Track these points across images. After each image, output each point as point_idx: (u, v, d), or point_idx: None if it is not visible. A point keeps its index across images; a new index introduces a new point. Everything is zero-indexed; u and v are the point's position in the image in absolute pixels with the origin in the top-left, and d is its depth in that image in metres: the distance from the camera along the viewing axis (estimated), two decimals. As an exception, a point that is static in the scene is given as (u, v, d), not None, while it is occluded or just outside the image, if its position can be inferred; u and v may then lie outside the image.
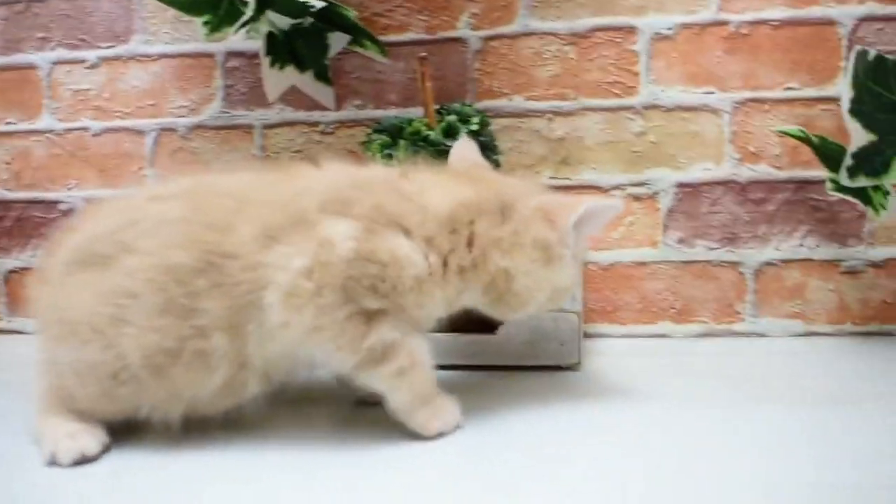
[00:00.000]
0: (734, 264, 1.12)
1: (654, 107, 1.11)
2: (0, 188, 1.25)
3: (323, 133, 1.17)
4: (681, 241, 1.12)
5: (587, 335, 1.14)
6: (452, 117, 0.99)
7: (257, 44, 1.11)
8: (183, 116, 1.20)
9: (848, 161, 0.94)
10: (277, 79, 1.11)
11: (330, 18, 1.08)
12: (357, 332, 0.76)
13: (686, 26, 1.10)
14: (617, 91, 1.12)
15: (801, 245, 1.11)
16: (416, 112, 1.09)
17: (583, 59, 1.12)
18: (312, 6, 1.03)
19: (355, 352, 0.76)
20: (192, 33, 1.19)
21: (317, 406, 0.90)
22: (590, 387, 0.94)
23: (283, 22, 1.07)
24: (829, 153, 1.01)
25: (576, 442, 0.79)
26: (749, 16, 1.09)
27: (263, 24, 1.07)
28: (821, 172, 1.05)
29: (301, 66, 1.11)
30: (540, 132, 1.13)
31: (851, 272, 1.11)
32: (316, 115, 1.17)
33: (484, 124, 1.01)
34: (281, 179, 0.82)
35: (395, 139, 0.99)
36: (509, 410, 0.85)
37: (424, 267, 0.78)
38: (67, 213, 1.23)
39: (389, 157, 0.98)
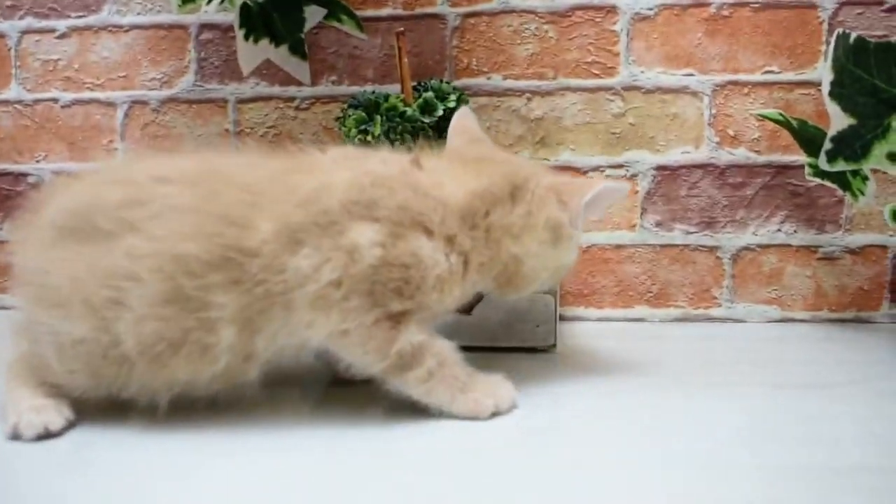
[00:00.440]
0: (712, 249, 1.11)
1: (634, 88, 1.10)
2: (-34, 160, 1.23)
3: (298, 108, 1.15)
4: (658, 224, 1.11)
5: (563, 318, 1.13)
6: (429, 94, 0.98)
7: (232, 16, 1.09)
8: (155, 89, 1.18)
9: (827, 145, 0.93)
10: (252, 52, 1.08)
11: (306, -9, 1.06)
12: (385, 337, 0.75)
13: (666, 7, 1.09)
14: (596, 71, 1.10)
15: (779, 230, 1.10)
16: (393, 88, 1.07)
17: (562, 38, 1.10)
18: (288, -22, 1.02)
19: (384, 357, 0.76)
20: (164, 4, 1.16)
21: (291, 386, 0.89)
22: (565, 369, 0.93)
23: (258, -7, 1.05)
24: (808, 137, 1.00)
25: (550, 425, 0.78)
26: (731, -3, 1.08)
27: (238, -5, 1.05)
28: (800, 157, 1.04)
29: (276, 40, 1.09)
30: (518, 111, 1.11)
31: (828, 258, 1.10)
32: (291, 91, 1.15)
33: (462, 102, 1.00)
34: (294, 169, 0.79)
35: (370, 115, 0.97)
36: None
37: (446, 267, 0.77)
38: (36, 185, 1.21)
39: (365, 132, 0.96)
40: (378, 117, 0.96)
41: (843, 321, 1.10)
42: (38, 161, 1.21)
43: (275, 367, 0.79)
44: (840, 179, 0.99)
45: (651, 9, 1.09)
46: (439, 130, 0.97)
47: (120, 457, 0.72)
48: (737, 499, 0.64)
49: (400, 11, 1.12)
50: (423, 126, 0.96)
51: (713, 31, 1.08)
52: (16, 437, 0.74)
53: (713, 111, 1.09)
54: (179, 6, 1.05)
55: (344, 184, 0.77)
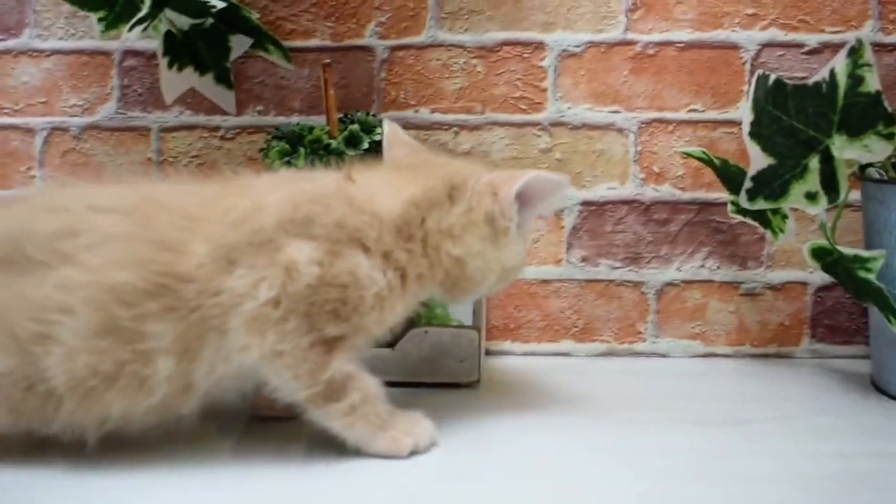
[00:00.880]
0: (637, 284, 1.12)
1: (561, 124, 1.11)
2: None
3: (223, 138, 1.14)
4: (584, 259, 1.12)
5: (489, 352, 1.12)
6: (355, 126, 0.97)
7: (156, 43, 1.07)
8: (76, 116, 1.15)
9: (748, 184, 0.95)
10: (175, 80, 1.07)
11: (232, 20, 1.04)
12: (319, 362, 0.74)
13: (593, 45, 1.10)
14: (524, 107, 1.11)
15: (703, 266, 1.12)
16: (320, 120, 1.06)
17: (490, 73, 1.11)
18: (213, 6, 1.00)
19: (314, 384, 0.74)
20: (87, 29, 1.14)
21: (211, 423, 0.87)
22: (489, 405, 0.93)
23: (183, 21, 1.03)
24: (729, 175, 1.01)
25: (472, 461, 0.77)
26: (656, 37, 1.09)
27: (162, 22, 1.03)
28: (723, 195, 1.06)
29: (201, 69, 1.07)
30: (446, 145, 1.11)
31: (751, 294, 1.12)
32: (216, 120, 1.13)
33: (388, 135, 0.99)
34: (229, 193, 0.78)
35: (294, 147, 0.96)
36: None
37: (384, 284, 0.76)
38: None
39: (288, 164, 0.95)
40: (302, 149, 0.95)
41: (764, 356, 1.12)
42: (-49, 187, 1.17)
43: (212, 400, 0.77)
44: (761, 217, 1.01)
45: (578, 46, 1.10)
46: (365, 163, 0.97)
47: (25, 499, 0.69)
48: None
49: (328, 43, 1.12)
50: (347, 159, 0.95)
51: (639, 70, 1.10)
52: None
53: (638, 148, 1.10)
54: (102, 32, 1.02)
55: (277, 202, 0.75)
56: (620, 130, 1.11)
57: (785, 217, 1.01)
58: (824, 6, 1.08)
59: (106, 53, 1.14)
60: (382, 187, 0.80)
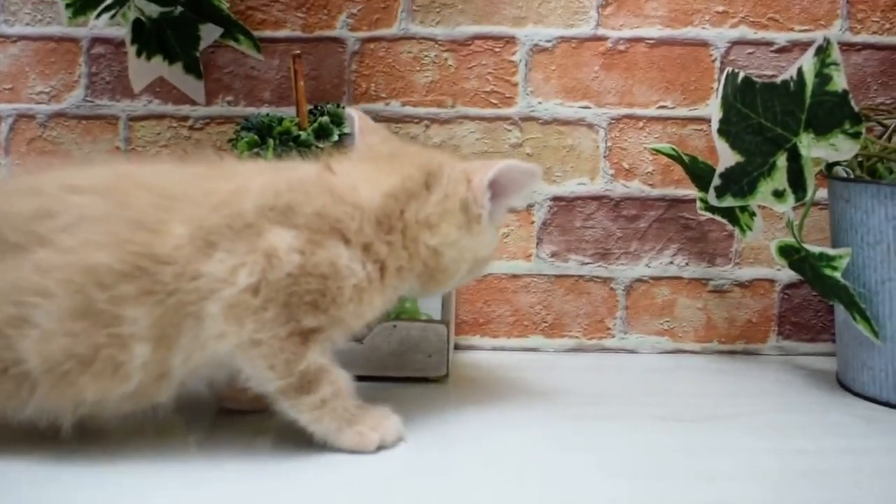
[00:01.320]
0: (606, 280, 1.12)
1: (531, 119, 1.11)
2: None
3: (191, 128, 1.12)
4: (554, 254, 1.12)
5: (458, 347, 1.12)
6: (325, 119, 0.96)
7: (124, 31, 1.06)
8: (43, 103, 1.13)
9: (716, 181, 0.95)
10: (144, 69, 1.05)
11: (202, 9, 1.03)
12: (294, 353, 0.73)
13: (565, 40, 1.10)
14: (494, 101, 1.11)
15: (672, 263, 1.12)
16: (289, 111, 1.05)
17: (461, 66, 1.10)
18: (183, -5, 0.99)
19: (288, 374, 0.73)
20: (55, 15, 1.12)
21: (177, 415, 0.86)
22: (457, 400, 0.93)
23: (151, 9, 1.02)
24: (698, 172, 1.02)
25: (439, 455, 0.77)
26: (626, 33, 1.10)
27: (130, 10, 1.02)
28: (692, 192, 1.06)
29: (170, 58, 1.06)
30: (416, 138, 1.11)
31: (719, 291, 1.12)
32: (185, 109, 1.12)
33: (358, 127, 0.98)
34: (210, 175, 0.77)
35: (263, 138, 0.95)
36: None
37: (364, 276, 0.75)
38: None
39: (257, 156, 0.94)
40: (271, 140, 0.94)
41: (732, 353, 1.12)
42: (-87, 175, 1.15)
43: (187, 390, 0.76)
44: (729, 214, 1.01)
45: (549, 41, 1.10)
46: (334, 155, 0.96)
47: None
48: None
49: (298, 33, 1.11)
50: (317, 151, 0.94)
51: (610, 66, 1.10)
52: None
53: (609, 144, 1.11)
54: (70, 18, 1.01)
55: (259, 188, 0.75)
56: (591, 126, 1.11)
57: (753, 215, 1.01)
58: (793, 5, 1.09)
59: (74, 40, 1.12)
60: (362, 178, 0.79)
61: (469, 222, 0.81)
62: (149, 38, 1.04)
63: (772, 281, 1.12)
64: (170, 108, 1.13)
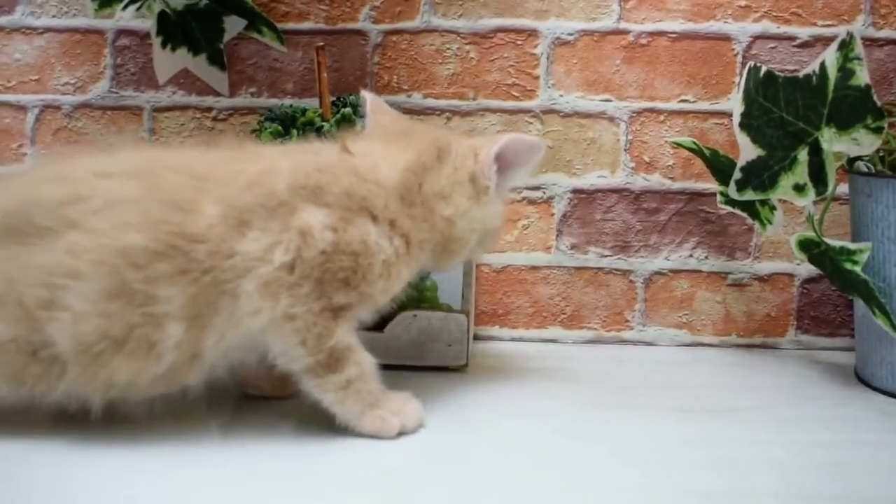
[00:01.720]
0: (625, 272, 1.13)
1: (552, 111, 1.11)
2: None
3: (215, 119, 1.14)
4: (573, 246, 1.12)
5: (477, 337, 1.13)
6: (348, 110, 0.97)
7: (150, 23, 1.07)
8: (68, 94, 1.15)
9: (737, 175, 0.96)
10: (168, 61, 1.07)
11: (226, 1, 1.05)
12: (326, 328, 0.74)
13: (587, 33, 1.10)
14: (516, 94, 1.11)
15: (691, 256, 1.12)
16: (313, 103, 1.06)
17: (483, 59, 1.11)
18: (208, -13, 1.00)
19: (318, 350, 0.74)
20: (81, 8, 1.13)
21: (199, 401, 0.87)
22: (476, 389, 0.93)
23: (176, 1, 1.04)
24: (719, 166, 1.02)
25: (458, 443, 0.78)
26: (648, 27, 1.10)
27: (156, 2, 1.03)
28: (712, 185, 1.06)
29: (194, 49, 1.07)
30: (438, 130, 1.11)
31: (738, 285, 1.12)
32: (209, 101, 1.13)
33: (380, 119, 0.99)
34: (238, 157, 0.79)
35: (287, 129, 0.96)
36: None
37: (392, 251, 0.77)
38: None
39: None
40: (294, 131, 0.95)
41: (750, 346, 1.13)
42: (-58, 163, 1.17)
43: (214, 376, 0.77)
44: (749, 208, 1.01)
45: (571, 34, 1.10)
46: (357, 147, 0.97)
47: (15, 472, 0.69)
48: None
49: (322, 26, 1.12)
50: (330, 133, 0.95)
51: (631, 59, 1.10)
52: None
53: (629, 137, 1.11)
54: (96, 10, 1.02)
55: (289, 168, 0.76)
56: (612, 119, 1.11)
57: (773, 209, 1.01)
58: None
59: (99, 32, 1.14)
60: (381, 156, 0.81)
61: (477, 193, 0.84)
62: (173, 29, 1.06)
63: (791, 275, 1.12)
64: (194, 99, 1.14)
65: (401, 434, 0.78)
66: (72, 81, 1.15)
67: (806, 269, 1.11)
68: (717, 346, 1.13)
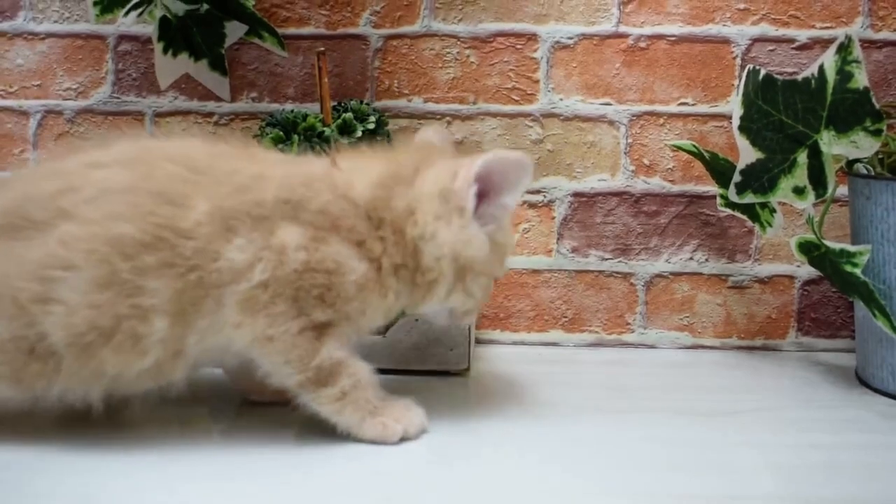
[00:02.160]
0: (626, 275, 1.13)
1: (552, 115, 1.11)
2: None
3: (217, 124, 1.14)
4: (574, 250, 1.13)
5: (478, 341, 1.13)
6: (349, 115, 0.98)
7: (151, 28, 1.07)
8: (70, 99, 1.15)
9: (736, 178, 0.96)
10: (170, 66, 1.07)
11: (227, 7, 1.05)
12: (308, 349, 0.74)
13: (586, 37, 1.10)
14: (516, 98, 1.11)
15: (691, 259, 1.12)
16: (314, 108, 1.07)
17: (483, 63, 1.11)
18: (208, -8, 1.00)
19: (303, 369, 0.75)
20: (82, 13, 1.14)
21: (201, 407, 0.88)
22: (478, 393, 0.94)
23: (178, 7, 1.04)
24: (719, 169, 1.02)
25: (460, 450, 0.78)
26: (647, 30, 1.10)
27: (157, 7, 1.03)
28: (712, 188, 1.07)
29: (195, 55, 1.08)
30: (438, 135, 1.12)
31: (738, 287, 1.13)
32: (210, 106, 1.14)
33: (381, 124, 1.00)
34: (236, 154, 0.79)
35: (288, 134, 0.97)
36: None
37: (362, 273, 0.76)
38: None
39: (282, 152, 0.95)
40: (295, 136, 0.96)
41: (751, 349, 1.13)
42: (-56, 169, 1.17)
43: (192, 381, 0.78)
44: (749, 211, 1.02)
45: (571, 38, 1.11)
46: (357, 151, 0.97)
47: (20, 479, 0.70)
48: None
49: (322, 31, 1.12)
50: (337, 145, 0.95)
51: (631, 62, 1.11)
52: None
53: (629, 140, 1.11)
54: (97, 16, 1.02)
55: (278, 179, 0.76)
56: (611, 123, 1.11)
57: (773, 211, 1.02)
58: (815, 2, 1.09)
59: (101, 37, 1.14)
60: (359, 171, 0.80)
61: (449, 213, 0.78)
62: (175, 35, 1.06)
63: (791, 277, 1.12)
64: (195, 104, 1.14)
65: (403, 440, 0.78)
66: (73, 87, 1.15)
67: (806, 270, 1.11)
68: (717, 349, 1.13)
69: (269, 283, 0.73)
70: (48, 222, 0.73)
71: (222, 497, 0.68)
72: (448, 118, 1.12)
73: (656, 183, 1.12)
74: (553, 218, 1.13)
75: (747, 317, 1.13)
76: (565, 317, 1.14)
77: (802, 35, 1.09)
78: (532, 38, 1.11)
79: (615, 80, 1.11)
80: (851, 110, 0.91)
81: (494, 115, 1.12)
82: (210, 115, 1.14)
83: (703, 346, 1.13)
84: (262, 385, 0.83)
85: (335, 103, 1.02)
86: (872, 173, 0.98)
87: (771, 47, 1.10)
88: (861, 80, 0.90)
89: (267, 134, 0.97)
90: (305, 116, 0.98)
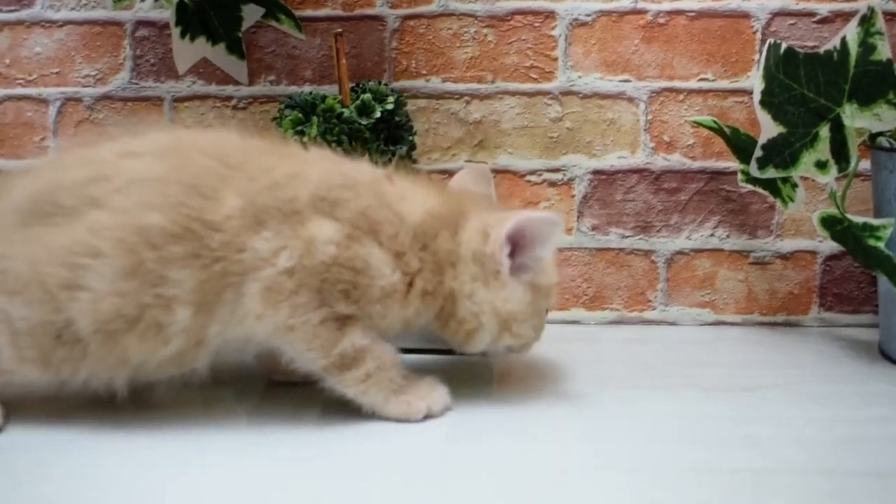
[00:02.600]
0: (647, 253, 1.13)
1: (571, 93, 1.11)
2: None
3: (235, 108, 1.14)
4: (595, 228, 1.13)
5: (499, 320, 1.13)
6: (367, 96, 0.97)
7: (168, 13, 1.07)
8: (89, 86, 1.16)
9: (758, 152, 0.95)
10: (188, 50, 1.07)
11: (244, -10, 1.05)
12: (330, 338, 0.75)
13: (604, 14, 1.10)
14: (534, 76, 1.11)
15: (713, 235, 1.12)
16: (331, 89, 1.07)
17: (501, 42, 1.11)
18: (225, -24, 1.00)
19: (326, 356, 0.75)
20: (99, 0, 1.14)
21: (227, 388, 0.88)
22: (500, 372, 0.94)
23: (195, -9, 1.04)
24: (740, 144, 1.02)
25: (483, 428, 0.79)
26: (666, 6, 1.09)
27: (174, -8, 1.03)
28: (733, 164, 1.06)
29: (213, 39, 1.08)
30: (457, 114, 1.12)
31: (760, 263, 1.12)
32: (228, 90, 1.14)
33: (399, 104, 1.00)
34: (271, 151, 0.80)
35: (307, 116, 0.97)
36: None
37: (392, 281, 0.76)
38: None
39: (301, 133, 0.95)
40: (315, 118, 0.96)
41: (773, 324, 1.13)
42: (-33, 158, 1.18)
43: (217, 363, 0.78)
44: (771, 186, 1.01)
45: (589, 15, 1.10)
46: (376, 132, 0.97)
47: (49, 460, 0.71)
48: (667, 500, 0.65)
49: (339, 12, 1.12)
50: (360, 128, 0.95)
51: (650, 39, 1.10)
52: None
53: (649, 117, 1.11)
54: (115, 2, 1.03)
55: (316, 177, 0.77)
56: (631, 100, 1.11)
57: (795, 186, 1.01)
58: (836, -26, 1.08)
59: (118, 24, 1.14)
60: (413, 195, 0.81)
61: (486, 276, 0.79)
62: (192, 19, 1.06)
63: (813, 252, 1.12)
64: (213, 88, 1.14)
65: (427, 417, 0.79)
66: (92, 73, 1.15)
67: (828, 246, 1.10)
68: (739, 325, 1.13)
69: (294, 271, 0.74)
70: (78, 209, 0.74)
71: (248, 475, 0.68)
72: (467, 97, 1.12)
73: (676, 160, 1.11)
74: (573, 196, 1.12)
75: (769, 293, 1.13)
76: (586, 295, 1.14)
77: (823, 8, 1.08)
78: (550, 15, 1.10)
79: (634, 57, 1.10)
80: (874, 83, 0.90)
81: (513, 93, 1.11)
82: (228, 99, 1.14)
83: (724, 323, 1.13)
84: (287, 365, 0.84)
85: (353, 84, 1.02)
86: (895, 146, 0.97)
87: (791, 21, 1.09)
88: (884, 52, 0.89)
89: (286, 116, 0.97)
90: (324, 98, 0.98)
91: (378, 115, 0.96)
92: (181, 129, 0.86)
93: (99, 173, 0.76)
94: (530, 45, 1.11)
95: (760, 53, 1.06)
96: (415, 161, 1.03)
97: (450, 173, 1.06)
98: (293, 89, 1.12)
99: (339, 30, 0.98)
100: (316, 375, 0.78)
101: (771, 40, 0.93)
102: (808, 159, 0.94)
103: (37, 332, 0.74)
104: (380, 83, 1.01)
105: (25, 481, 0.67)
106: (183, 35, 1.06)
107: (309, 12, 1.12)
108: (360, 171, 0.81)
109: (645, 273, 1.13)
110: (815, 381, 0.92)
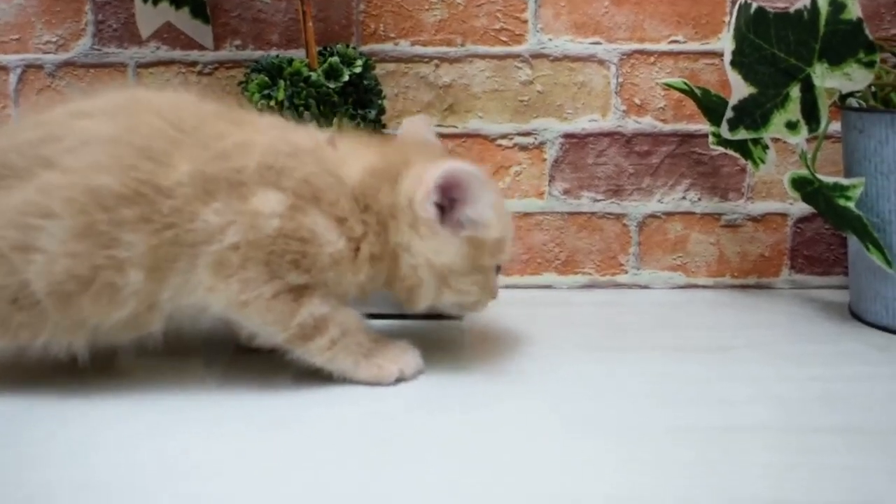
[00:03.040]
0: (618, 216, 1.12)
1: (542, 56, 1.10)
2: None
3: (200, 73, 1.12)
4: (566, 192, 1.12)
5: (472, 286, 1.12)
6: (335, 59, 0.96)
7: (130, -24, 1.05)
8: (50, 53, 1.13)
9: (729, 114, 0.95)
10: (151, 15, 1.05)
11: (207, -48, 1.03)
12: (285, 310, 0.74)
13: (575, -26, 1.09)
14: (504, 38, 1.10)
15: (684, 198, 1.12)
16: (299, 54, 1.05)
17: (470, 4, 1.09)
18: (188, -63, 0.98)
19: (285, 329, 0.75)
20: (59, -37, 1.11)
21: (196, 355, 0.87)
22: (473, 336, 0.94)
23: (157, -47, 1.02)
24: (711, 106, 1.01)
25: (456, 391, 0.78)
26: (637, -34, 1.08)
27: (135, -46, 1.01)
28: (704, 126, 1.06)
29: (176, 3, 1.06)
30: (426, 78, 1.10)
31: (731, 226, 1.12)
32: (193, 55, 1.12)
33: (368, 68, 0.98)
34: (224, 117, 0.78)
35: (273, 79, 0.95)
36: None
37: (339, 248, 0.75)
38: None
39: (268, 97, 0.94)
40: (282, 82, 0.94)
41: (744, 287, 1.13)
42: (-75, 127, 1.15)
43: (177, 331, 0.77)
44: (742, 148, 1.01)
45: (559, -24, 1.09)
46: (345, 96, 0.96)
47: (12, 429, 0.70)
48: (642, 460, 0.65)
49: (306, -25, 1.10)
50: (328, 91, 0.94)
51: (620, 1, 1.09)
52: None
53: (620, 80, 1.10)
54: (74, -35, 1.01)
55: (263, 146, 0.76)
56: (601, 62, 1.10)
57: (766, 147, 1.01)
58: (806, -66, 1.07)
59: (79, -12, 1.12)
60: (354, 155, 0.80)
61: (418, 223, 0.78)
62: (155, -18, 1.04)
63: (784, 215, 1.12)
64: (178, 53, 1.12)
65: (399, 381, 0.78)
66: (53, 40, 1.13)
67: (799, 208, 1.11)
68: (711, 288, 1.13)
69: (239, 246, 0.73)
70: (30, 170, 0.73)
71: (219, 442, 0.68)
72: (436, 61, 1.10)
73: (648, 122, 1.11)
74: (544, 160, 1.12)
75: (740, 255, 1.13)
76: (558, 259, 1.13)
77: (793, -32, 1.08)
78: (519, -23, 1.09)
79: (605, 19, 1.09)
80: (844, 42, 0.89)
81: (483, 56, 1.10)
82: (194, 64, 1.12)
83: (696, 286, 1.13)
84: (249, 340, 0.83)
85: (321, 48, 1.00)
86: (865, 107, 0.97)
87: (762, -19, 1.08)
88: (854, 10, 0.89)
89: (253, 80, 0.95)
90: (291, 61, 0.96)
91: (346, 78, 0.95)
92: (136, 89, 0.84)
93: (50, 133, 0.74)
94: (500, 7, 1.09)
95: (731, 15, 1.06)
96: (384, 125, 1.02)
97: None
98: (259, 54, 1.10)
99: (306, -8, 0.97)
100: (281, 348, 0.77)
101: (741, 0, 0.93)
102: (778, 120, 0.94)
103: None
104: (348, 46, 1.00)
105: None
106: (145, -1, 1.04)
107: (274, -25, 1.10)
108: (304, 137, 0.80)
109: (617, 237, 1.13)
110: (786, 341, 0.92)
